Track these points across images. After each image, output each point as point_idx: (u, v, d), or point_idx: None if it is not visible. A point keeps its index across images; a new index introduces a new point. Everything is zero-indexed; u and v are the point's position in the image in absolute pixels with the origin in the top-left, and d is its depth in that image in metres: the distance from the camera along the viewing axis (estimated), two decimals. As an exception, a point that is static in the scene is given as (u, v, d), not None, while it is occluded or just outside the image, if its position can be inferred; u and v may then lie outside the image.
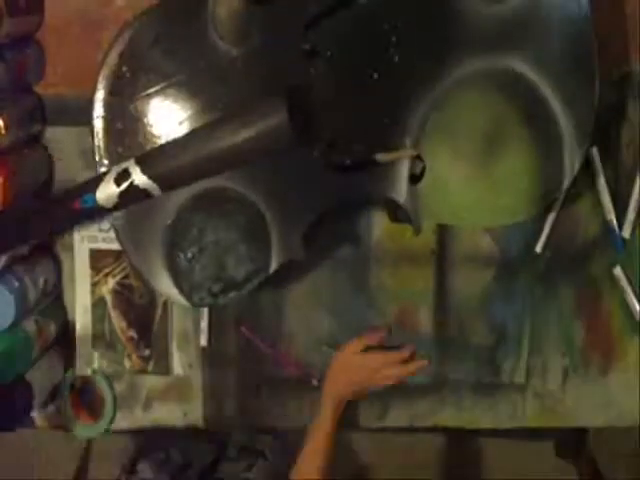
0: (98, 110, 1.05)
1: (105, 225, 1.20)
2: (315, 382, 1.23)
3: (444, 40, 1.04)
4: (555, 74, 1.04)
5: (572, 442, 1.94)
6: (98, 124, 1.05)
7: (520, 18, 1.03)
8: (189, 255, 1.06)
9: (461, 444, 1.85)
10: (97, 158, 1.06)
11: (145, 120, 1.05)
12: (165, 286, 1.08)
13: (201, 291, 1.08)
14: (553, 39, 1.03)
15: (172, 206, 1.06)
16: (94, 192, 1.01)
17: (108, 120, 1.05)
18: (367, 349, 1.17)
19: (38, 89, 1.16)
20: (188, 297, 1.08)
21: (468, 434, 1.41)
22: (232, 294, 1.08)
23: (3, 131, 1.06)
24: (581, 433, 1.87)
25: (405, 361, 1.18)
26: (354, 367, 1.17)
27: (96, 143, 1.05)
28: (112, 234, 1.18)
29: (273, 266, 1.07)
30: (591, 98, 1.05)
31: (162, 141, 1.05)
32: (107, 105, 1.04)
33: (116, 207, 1.03)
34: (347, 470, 2.02)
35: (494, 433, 1.35)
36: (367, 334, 1.19)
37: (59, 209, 1.02)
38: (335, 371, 1.17)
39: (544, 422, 1.28)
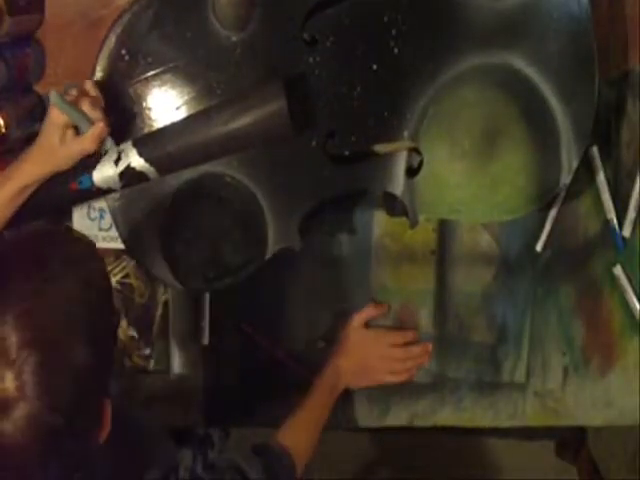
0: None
1: (105, 225, 1.20)
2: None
3: (445, 34, 1.05)
4: (554, 72, 1.04)
5: (572, 442, 1.94)
6: None
7: (521, 15, 1.03)
8: (185, 239, 1.06)
9: (461, 444, 1.85)
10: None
11: (143, 103, 1.05)
12: (160, 269, 1.08)
13: (196, 276, 1.08)
14: (553, 37, 1.04)
15: (169, 190, 1.06)
16: (91, 173, 1.01)
17: (107, 102, 1.04)
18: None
19: (38, 88, 1.16)
20: (183, 281, 1.08)
21: (468, 434, 1.41)
22: (227, 280, 1.08)
23: (3, 130, 1.05)
24: (581, 433, 1.87)
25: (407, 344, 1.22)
26: (363, 339, 1.19)
27: None
28: (112, 233, 1.18)
29: (269, 253, 1.08)
30: (590, 97, 1.05)
31: (160, 125, 1.05)
32: (105, 87, 1.04)
33: (112, 189, 1.04)
34: (347, 470, 2.02)
35: (494, 433, 1.34)
36: (369, 307, 1.21)
37: (56, 190, 1.02)
38: (344, 342, 1.19)
39: (544, 421, 1.28)
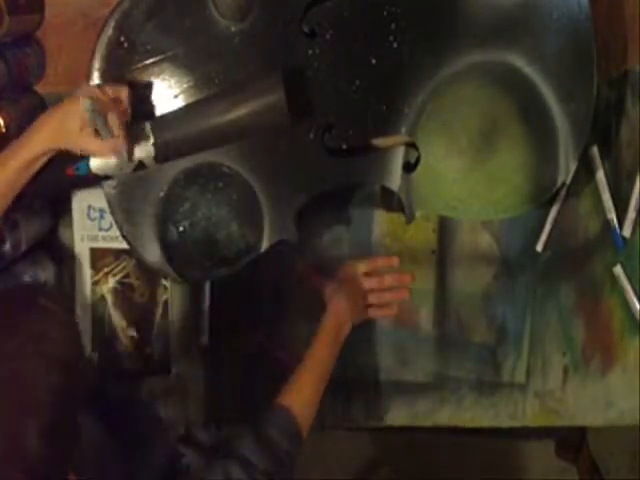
0: (95, 79, 1.04)
1: (105, 225, 1.20)
2: None
3: (445, 30, 1.05)
4: (553, 71, 1.05)
5: (572, 442, 1.94)
6: None
7: (521, 13, 1.03)
8: (181, 229, 1.07)
9: (461, 444, 1.85)
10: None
11: (141, 91, 1.05)
12: (156, 259, 1.08)
13: (192, 266, 1.08)
14: (552, 36, 1.04)
15: (166, 178, 1.06)
16: (88, 159, 1.01)
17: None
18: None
19: (38, 88, 1.16)
20: (178, 271, 1.08)
21: (468, 434, 1.41)
22: (223, 270, 1.08)
23: (3, 129, 1.06)
24: (581, 433, 1.87)
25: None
26: (349, 274, 1.16)
27: None
28: (112, 233, 1.19)
29: (265, 245, 1.08)
30: (589, 97, 1.05)
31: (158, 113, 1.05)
32: (104, 74, 1.04)
33: (109, 175, 1.04)
34: (347, 470, 2.02)
35: (494, 433, 1.34)
36: (377, 257, 1.18)
37: (53, 175, 1.01)
38: (341, 281, 1.15)
39: (544, 421, 1.28)
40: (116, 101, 0.97)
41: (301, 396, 1.05)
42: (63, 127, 0.97)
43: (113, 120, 0.95)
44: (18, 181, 1.00)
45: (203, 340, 1.24)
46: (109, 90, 0.97)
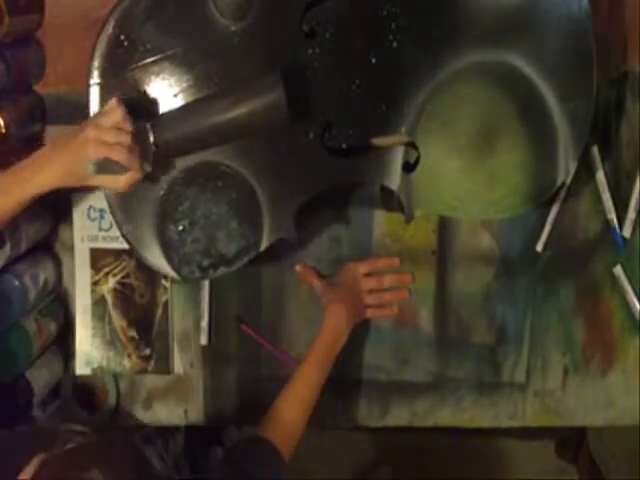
0: (95, 77, 1.04)
1: (105, 225, 1.20)
2: None
3: (444, 30, 1.05)
4: (553, 71, 1.05)
5: (572, 442, 1.94)
6: (94, 92, 1.04)
7: (521, 13, 1.03)
8: (180, 228, 1.07)
9: (461, 444, 1.85)
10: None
11: (141, 90, 1.05)
12: (155, 258, 1.08)
13: (191, 264, 1.08)
14: (552, 36, 1.04)
15: (165, 177, 1.06)
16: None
17: (104, 88, 1.04)
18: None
19: (38, 88, 1.16)
20: (177, 270, 1.08)
21: (468, 434, 1.41)
22: (222, 270, 1.08)
23: (3, 130, 1.06)
24: (581, 433, 1.87)
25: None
26: (347, 275, 1.18)
27: (92, 111, 1.04)
28: (112, 233, 1.19)
29: (264, 244, 1.08)
30: (589, 97, 1.05)
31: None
32: (104, 72, 1.04)
33: None
34: (347, 470, 2.02)
35: (494, 433, 1.34)
36: (376, 258, 1.20)
37: None
38: (340, 285, 1.18)
39: (544, 421, 1.28)
40: (117, 128, 0.95)
41: (285, 427, 1.08)
42: (72, 170, 0.96)
43: (123, 157, 0.94)
44: (17, 210, 1.00)
45: (203, 340, 1.24)
46: (106, 121, 0.95)
